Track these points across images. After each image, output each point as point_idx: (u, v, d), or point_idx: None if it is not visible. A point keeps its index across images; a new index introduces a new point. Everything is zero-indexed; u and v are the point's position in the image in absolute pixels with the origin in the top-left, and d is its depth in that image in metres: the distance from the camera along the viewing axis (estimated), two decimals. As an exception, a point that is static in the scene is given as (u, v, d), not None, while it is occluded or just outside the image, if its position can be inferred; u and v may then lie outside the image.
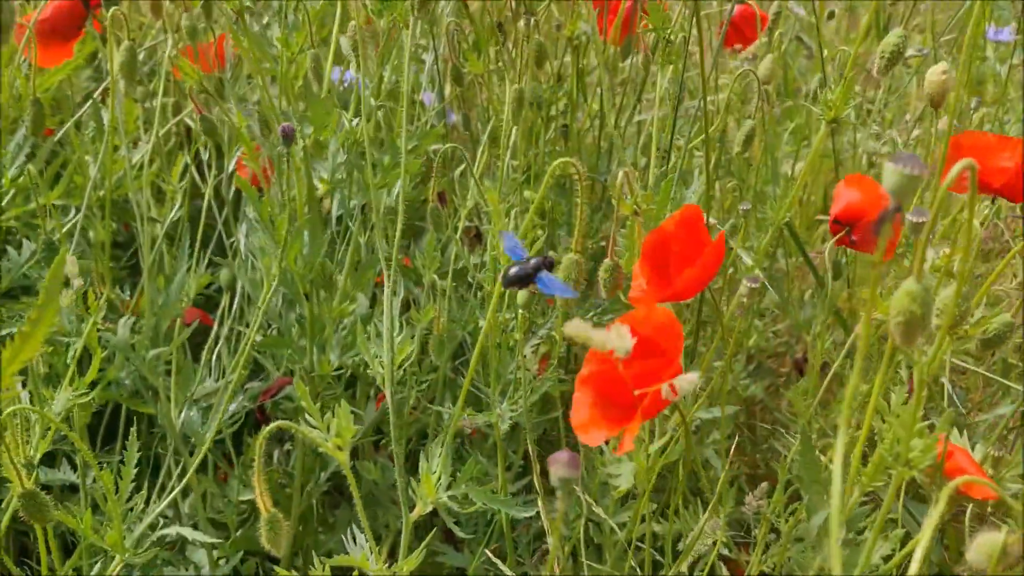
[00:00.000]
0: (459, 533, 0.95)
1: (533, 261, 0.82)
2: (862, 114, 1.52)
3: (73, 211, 1.25)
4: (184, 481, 1.03)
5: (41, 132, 1.05)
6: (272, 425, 0.74)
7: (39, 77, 1.14)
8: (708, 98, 1.29)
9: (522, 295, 0.94)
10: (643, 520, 1.17)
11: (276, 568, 1.22)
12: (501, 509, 0.94)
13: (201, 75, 1.07)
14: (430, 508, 0.89)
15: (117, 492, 0.94)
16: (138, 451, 0.99)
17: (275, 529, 0.75)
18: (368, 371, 1.38)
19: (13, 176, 1.07)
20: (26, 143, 1.08)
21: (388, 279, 0.92)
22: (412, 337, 0.95)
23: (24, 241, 1.22)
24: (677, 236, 0.89)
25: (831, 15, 1.56)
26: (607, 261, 0.84)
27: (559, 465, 0.51)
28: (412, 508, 0.93)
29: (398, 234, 0.90)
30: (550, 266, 0.82)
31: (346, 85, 1.38)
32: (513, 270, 0.82)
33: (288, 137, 0.96)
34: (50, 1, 1.09)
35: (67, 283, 0.98)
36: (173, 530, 1.00)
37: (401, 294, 0.96)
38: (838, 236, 1.10)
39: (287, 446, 1.40)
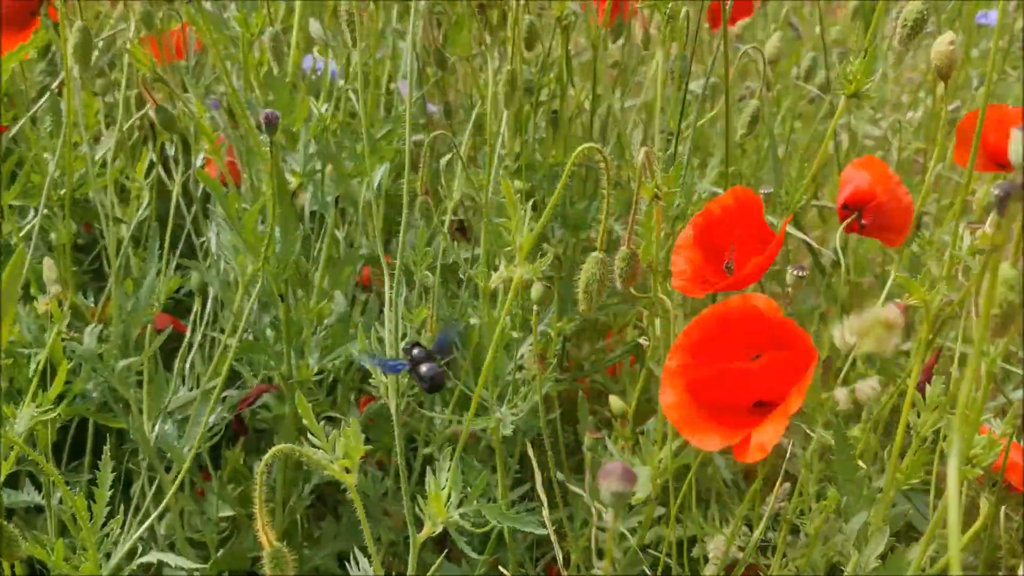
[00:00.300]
0: (471, 553, 0.89)
1: (417, 354, 0.81)
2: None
3: (32, 212, 1.16)
4: (164, 503, 0.95)
5: (-6, 125, 0.97)
6: (274, 449, 0.67)
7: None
8: (699, 81, 1.24)
9: (536, 289, 0.87)
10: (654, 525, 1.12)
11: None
12: (516, 526, 0.87)
13: (154, 63, 0.98)
14: (440, 528, 0.82)
15: (91, 518, 0.86)
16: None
17: (280, 565, 0.68)
18: (347, 376, 1.31)
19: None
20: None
21: (388, 277, 0.85)
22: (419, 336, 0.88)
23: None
24: (730, 220, 0.83)
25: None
26: (624, 249, 0.77)
27: (613, 479, 0.45)
28: (413, 524, 0.86)
29: (389, 226, 0.83)
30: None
31: (319, 73, 1.31)
32: (426, 371, 0.80)
33: (271, 124, 0.88)
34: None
35: (43, 289, 0.90)
36: (154, 556, 0.92)
37: (404, 292, 0.89)
38: (847, 222, 1.05)
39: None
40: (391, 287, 0.85)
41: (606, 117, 1.31)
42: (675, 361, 0.77)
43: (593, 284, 0.75)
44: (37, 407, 0.94)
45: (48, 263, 0.94)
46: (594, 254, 0.76)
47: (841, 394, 0.74)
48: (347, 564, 0.83)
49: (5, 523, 0.77)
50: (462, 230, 1.41)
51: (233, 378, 1.26)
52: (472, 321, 1.21)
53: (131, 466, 1.22)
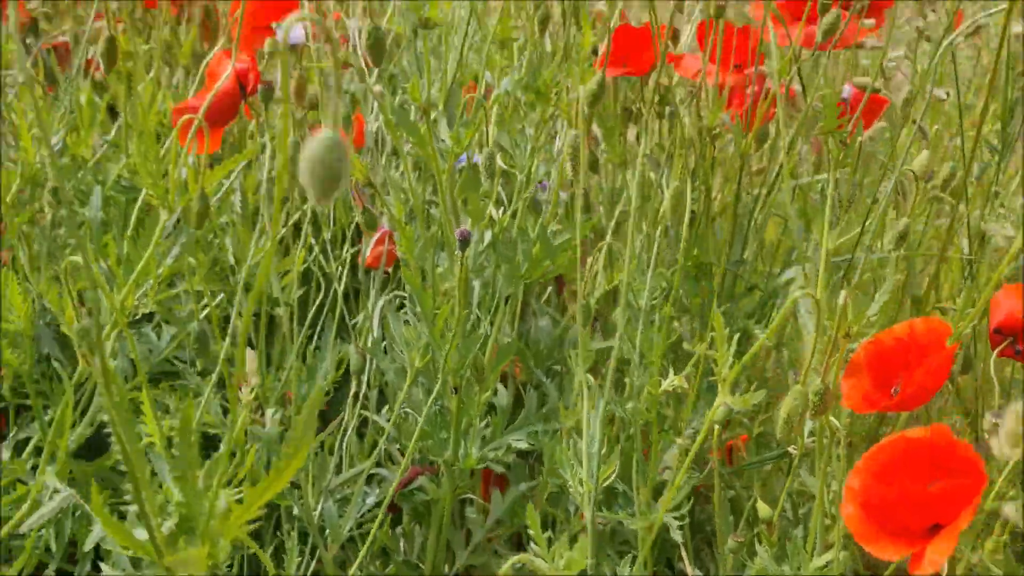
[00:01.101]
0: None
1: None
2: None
3: (209, 295, 1.24)
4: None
5: (202, 227, 1.04)
6: (515, 558, 0.72)
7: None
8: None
9: (721, 413, 0.91)
10: None
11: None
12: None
13: (367, 170, 1.06)
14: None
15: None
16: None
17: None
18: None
19: (170, 265, 1.06)
20: (182, 233, 1.07)
21: (584, 381, 0.90)
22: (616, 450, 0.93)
23: (164, 326, 1.20)
24: (904, 350, 0.88)
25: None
26: (818, 383, 0.81)
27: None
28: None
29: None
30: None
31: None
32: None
33: (465, 241, 0.95)
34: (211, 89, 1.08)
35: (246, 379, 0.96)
36: (338, 640, 0.97)
37: (602, 400, 0.93)
38: (1000, 347, 1.07)
39: (398, 529, 1.37)
40: (591, 394, 0.91)
41: (747, 223, 1.36)
42: (857, 481, 0.82)
43: (795, 417, 0.79)
44: (232, 490, 1.01)
45: (251, 355, 1.01)
46: (797, 387, 0.80)
47: (1011, 509, 0.78)
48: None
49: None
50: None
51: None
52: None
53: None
